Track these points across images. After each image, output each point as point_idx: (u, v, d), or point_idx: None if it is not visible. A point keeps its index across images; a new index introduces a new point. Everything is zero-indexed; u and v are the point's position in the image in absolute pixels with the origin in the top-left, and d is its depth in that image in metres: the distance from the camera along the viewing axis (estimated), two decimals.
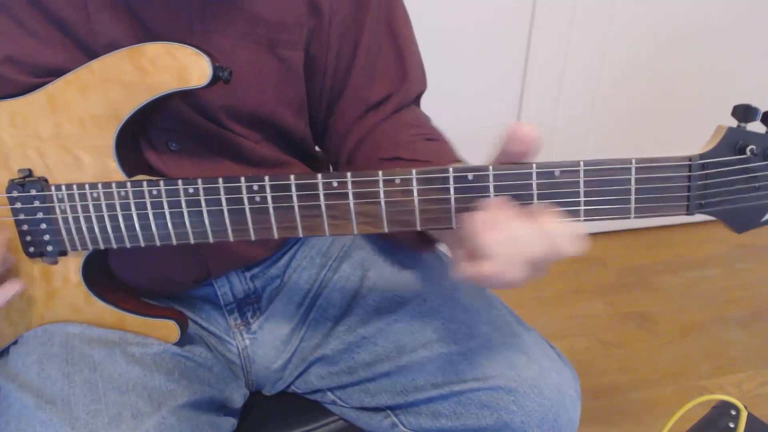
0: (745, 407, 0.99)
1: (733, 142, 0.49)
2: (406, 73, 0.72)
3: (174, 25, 0.61)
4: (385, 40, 0.71)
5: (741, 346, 1.56)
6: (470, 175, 0.50)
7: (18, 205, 0.59)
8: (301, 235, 0.54)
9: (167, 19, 0.61)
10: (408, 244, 0.67)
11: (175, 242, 0.57)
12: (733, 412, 0.99)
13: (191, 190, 0.55)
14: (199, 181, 0.54)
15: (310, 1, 0.66)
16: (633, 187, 0.49)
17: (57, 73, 0.58)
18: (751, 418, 0.99)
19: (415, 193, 0.51)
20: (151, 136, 0.63)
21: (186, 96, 0.62)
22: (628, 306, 1.70)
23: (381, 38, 0.71)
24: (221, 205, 0.54)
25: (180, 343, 0.66)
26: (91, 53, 0.58)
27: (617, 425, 1.34)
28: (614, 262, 1.88)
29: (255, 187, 0.53)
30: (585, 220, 0.51)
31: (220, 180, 0.54)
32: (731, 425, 0.98)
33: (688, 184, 0.49)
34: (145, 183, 0.56)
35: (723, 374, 1.47)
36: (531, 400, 0.62)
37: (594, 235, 1.97)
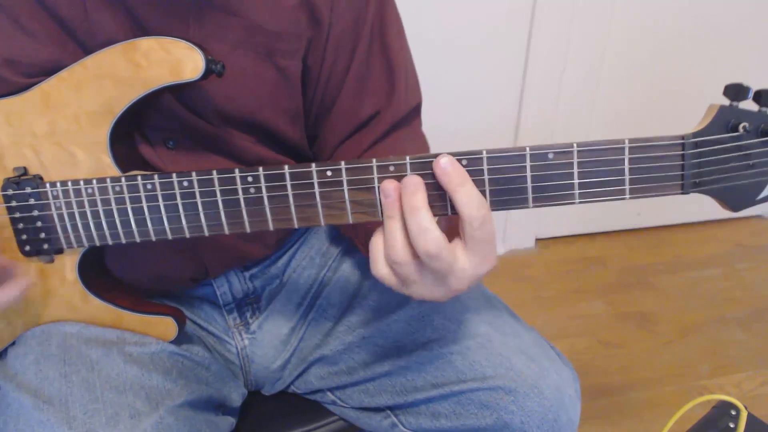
0: (745, 407, 0.99)
1: (725, 121, 0.49)
2: (393, 88, 0.71)
3: (171, 29, 0.61)
4: (377, 54, 0.70)
5: (741, 346, 1.56)
6: (464, 160, 0.50)
7: (13, 203, 0.58)
8: (296, 225, 0.54)
9: (164, 23, 0.60)
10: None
11: (170, 236, 0.57)
12: (733, 412, 0.99)
13: (186, 184, 0.54)
14: (194, 174, 0.54)
15: (310, 12, 0.66)
16: (627, 167, 0.49)
17: (54, 72, 0.57)
18: (751, 418, 0.98)
19: None
20: (149, 134, 0.63)
21: (181, 95, 0.62)
22: (628, 306, 1.70)
23: (372, 52, 0.70)
24: (216, 198, 0.54)
25: (178, 343, 0.66)
26: (89, 52, 0.58)
27: (617, 425, 1.33)
28: (614, 262, 1.88)
29: (249, 179, 0.53)
30: (580, 203, 0.50)
31: (215, 172, 0.54)
32: (731, 425, 0.98)
33: (682, 162, 0.49)
34: (139, 177, 0.56)
35: (723, 374, 1.47)
36: (531, 400, 0.62)
37: (594, 235, 1.97)
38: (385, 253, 0.50)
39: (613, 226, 1.99)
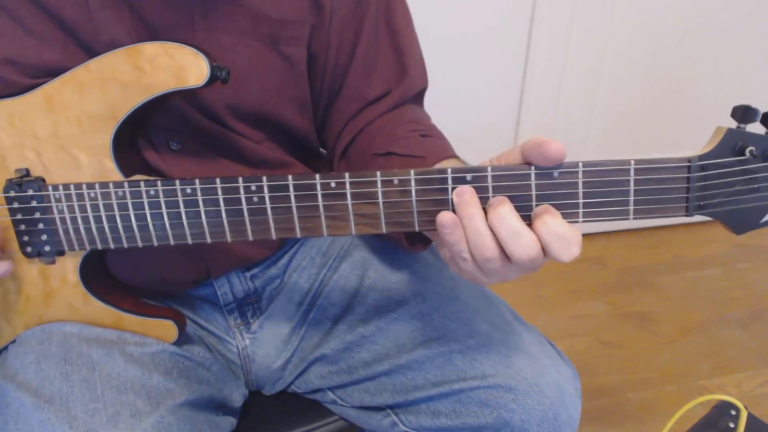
0: (745, 407, 0.99)
1: (732, 144, 0.49)
2: (405, 70, 0.72)
3: (176, 23, 0.61)
4: (384, 37, 0.71)
5: (741, 346, 1.56)
6: (469, 176, 0.50)
7: (15, 204, 0.59)
8: (299, 235, 0.54)
9: (169, 17, 0.61)
10: (401, 244, 0.67)
11: (172, 242, 0.57)
12: (733, 412, 0.99)
13: (189, 191, 0.54)
14: (197, 181, 0.54)
15: None
16: (632, 188, 0.49)
17: (56, 73, 0.57)
18: (751, 418, 0.98)
19: (414, 193, 0.50)
20: (152, 135, 0.63)
21: (187, 95, 0.62)
22: (628, 306, 1.70)
23: (380, 35, 0.71)
24: (219, 206, 0.54)
25: (178, 343, 0.66)
26: (92, 52, 0.58)
27: (617, 425, 1.34)
28: (614, 262, 1.88)
29: (253, 188, 0.53)
30: (584, 222, 0.51)
31: (218, 180, 0.53)
32: (731, 425, 0.98)
33: (687, 185, 0.49)
34: (142, 183, 0.55)
35: (723, 374, 1.47)
36: (531, 398, 0.62)
37: (594, 235, 1.97)
38: (474, 254, 0.49)
39: (613, 227, 1.99)
